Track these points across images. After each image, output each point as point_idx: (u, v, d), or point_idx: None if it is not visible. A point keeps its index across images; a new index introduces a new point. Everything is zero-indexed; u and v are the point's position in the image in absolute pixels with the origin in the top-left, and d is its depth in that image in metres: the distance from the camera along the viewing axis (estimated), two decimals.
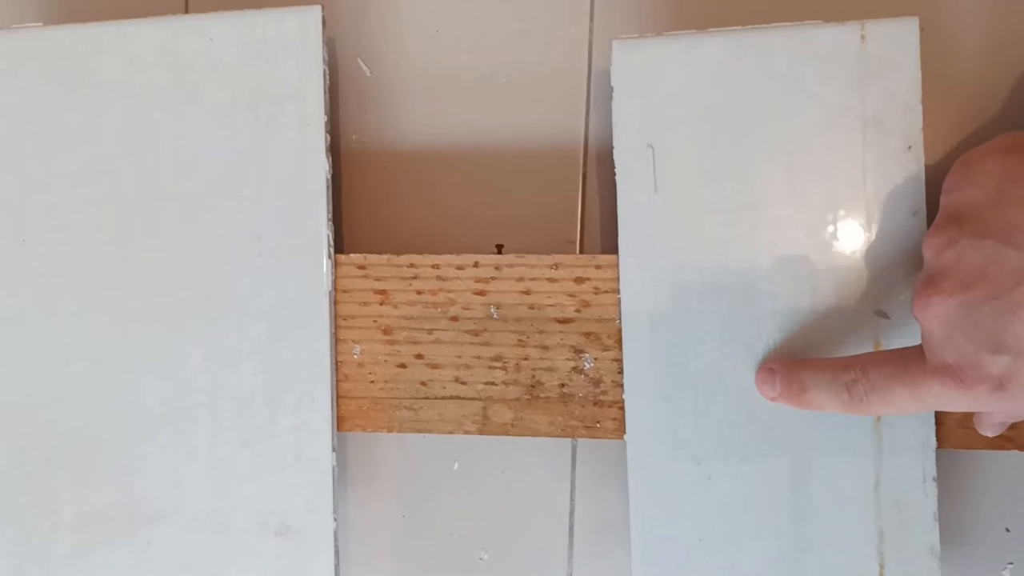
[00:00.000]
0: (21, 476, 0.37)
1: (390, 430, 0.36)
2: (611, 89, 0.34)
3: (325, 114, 0.35)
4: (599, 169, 0.37)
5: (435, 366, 0.36)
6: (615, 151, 0.34)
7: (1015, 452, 0.33)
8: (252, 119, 0.36)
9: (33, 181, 0.37)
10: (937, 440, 0.32)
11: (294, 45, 0.35)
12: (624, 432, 0.34)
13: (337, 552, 0.35)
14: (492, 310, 0.35)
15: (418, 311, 0.36)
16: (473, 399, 0.36)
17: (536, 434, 0.35)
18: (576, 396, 0.35)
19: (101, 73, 0.37)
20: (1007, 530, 0.35)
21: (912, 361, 0.28)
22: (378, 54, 0.39)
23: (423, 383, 0.36)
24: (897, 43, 0.32)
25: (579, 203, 0.37)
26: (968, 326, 0.26)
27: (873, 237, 0.32)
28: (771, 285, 0.33)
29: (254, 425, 0.36)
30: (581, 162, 0.37)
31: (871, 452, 0.32)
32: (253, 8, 0.36)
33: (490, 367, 0.35)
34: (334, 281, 0.36)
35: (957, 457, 0.34)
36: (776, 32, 0.33)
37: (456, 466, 0.38)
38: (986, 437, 0.32)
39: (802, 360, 0.32)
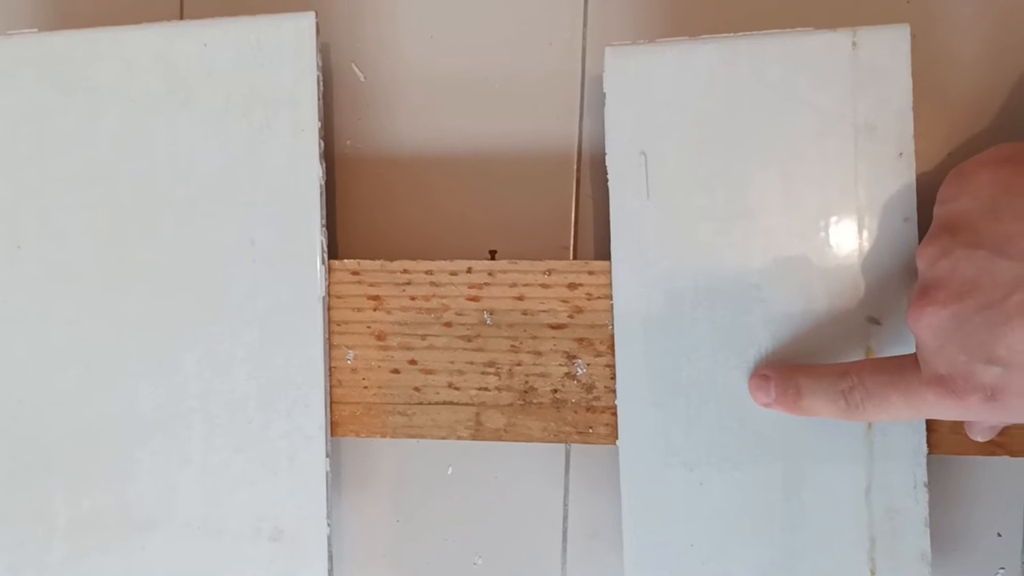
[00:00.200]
0: (15, 482, 0.37)
1: (383, 435, 0.36)
2: (604, 95, 0.34)
3: (319, 120, 0.35)
4: (592, 175, 0.37)
5: (428, 372, 0.36)
6: (608, 157, 0.34)
7: (1006, 458, 0.33)
8: (246, 125, 0.36)
9: (28, 185, 0.37)
10: (928, 446, 0.32)
11: (288, 51, 0.35)
12: (617, 438, 0.34)
13: (331, 557, 0.35)
14: (485, 316, 0.35)
15: (411, 317, 0.36)
16: (466, 405, 0.36)
17: (529, 440, 0.35)
18: (569, 402, 0.35)
19: (96, 78, 0.37)
20: (999, 535, 0.35)
21: (907, 369, 0.28)
22: (372, 60, 0.39)
23: (416, 388, 0.36)
24: (889, 50, 0.32)
25: (572, 209, 0.37)
26: (961, 337, 0.26)
27: (865, 244, 0.32)
28: (764, 292, 0.33)
29: (247, 431, 0.36)
30: (574, 168, 0.37)
31: (863, 458, 0.32)
32: (247, 14, 0.36)
33: (483, 373, 0.35)
34: (328, 286, 0.36)
35: (948, 463, 0.35)
36: (769, 39, 0.33)
37: (450, 471, 0.38)
38: (977, 443, 0.32)
39: (797, 366, 0.32)
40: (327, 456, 0.35)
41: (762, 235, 0.33)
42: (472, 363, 0.35)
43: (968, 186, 0.28)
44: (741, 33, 0.33)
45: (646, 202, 0.34)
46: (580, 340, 0.35)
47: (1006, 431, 0.32)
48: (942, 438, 0.33)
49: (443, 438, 0.36)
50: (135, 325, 0.36)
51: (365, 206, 0.39)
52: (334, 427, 0.36)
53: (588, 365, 0.35)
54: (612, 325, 0.34)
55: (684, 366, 0.34)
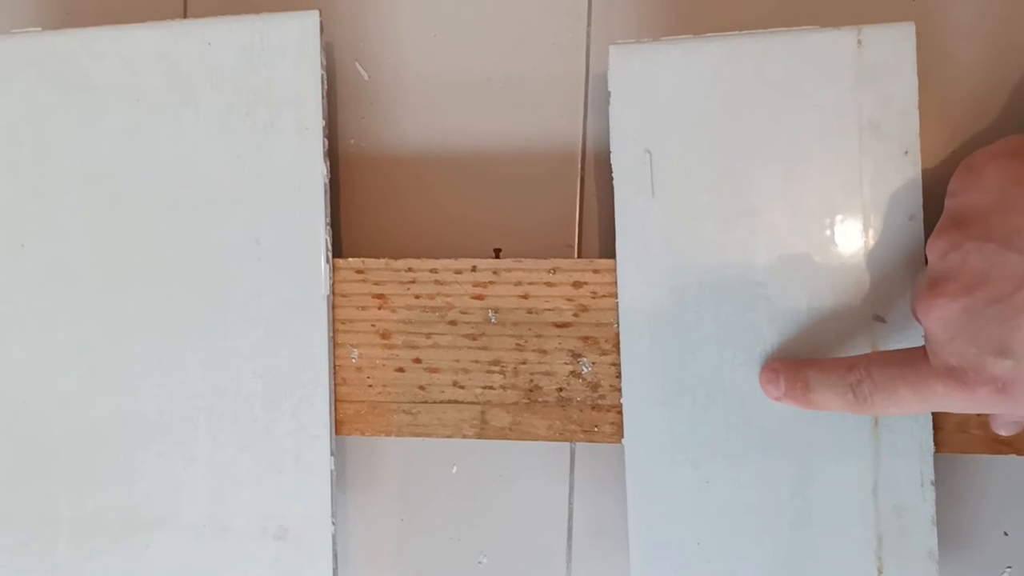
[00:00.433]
0: (19, 482, 0.37)
1: (388, 434, 0.36)
2: (608, 94, 0.34)
3: (323, 119, 0.35)
4: (597, 173, 0.37)
5: (433, 370, 0.36)
6: (612, 156, 0.34)
7: (1013, 456, 0.33)
8: (250, 124, 0.36)
9: (30, 186, 0.37)
10: (935, 444, 0.32)
11: (292, 50, 0.35)
12: (622, 436, 0.34)
13: (336, 556, 0.35)
14: (490, 314, 0.35)
15: (416, 315, 0.36)
16: (471, 403, 0.36)
17: (534, 438, 0.35)
18: (574, 400, 0.35)
19: (98, 78, 0.37)
20: (1005, 534, 0.35)
21: (916, 362, 0.28)
22: (376, 59, 0.39)
23: (421, 387, 0.36)
24: (893, 48, 0.32)
25: (577, 207, 0.37)
26: (971, 329, 0.26)
27: (870, 241, 0.32)
28: (769, 289, 0.33)
29: (252, 430, 0.36)
30: (579, 166, 0.37)
31: (869, 456, 0.32)
32: (251, 13, 0.36)
33: (488, 371, 0.35)
34: (332, 285, 0.36)
35: (955, 461, 0.34)
36: (773, 37, 0.33)
37: (455, 470, 0.38)
38: (984, 441, 0.32)
39: (806, 360, 0.32)
40: (332, 455, 0.35)
41: (767, 233, 0.33)
42: (477, 362, 0.35)
43: (977, 179, 0.28)
44: (745, 31, 0.33)
45: (651, 200, 0.34)
46: (585, 338, 0.35)
47: None
48: (949, 436, 0.33)
49: (448, 437, 0.36)
50: (139, 325, 0.36)
51: (369, 205, 0.39)
52: (339, 426, 0.36)
53: (593, 363, 0.35)
54: (617, 323, 0.34)
55: (690, 364, 0.34)
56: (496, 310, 0.35)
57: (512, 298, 0.35)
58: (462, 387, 0.36)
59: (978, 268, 0.27)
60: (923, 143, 0.32)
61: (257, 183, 0.36)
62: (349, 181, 0.39)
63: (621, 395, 0.34)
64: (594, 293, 0.35)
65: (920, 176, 0.32)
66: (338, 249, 0.38)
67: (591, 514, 0.37)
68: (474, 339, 0.35)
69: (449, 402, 0.36)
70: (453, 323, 0.36)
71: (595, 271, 0.35)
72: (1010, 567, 0.35)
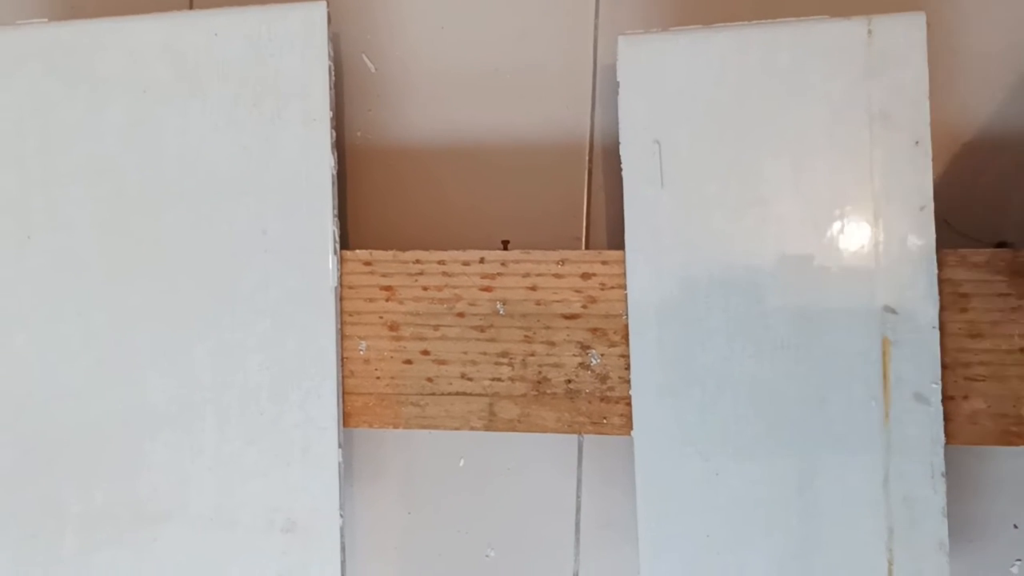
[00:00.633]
0: (26, 475, 0.37)
1: (396, 426, 0.36)
2: (617, 85, 0.34)
3: (330, 110, 0.35)
4: (605, 165, 0.37)
5: (441, 362, 0.36)
6: (621, 146, 0.34)
7: (1023, 448, 0.33)
8: (257, 115, 0.36)
9: (36, 178, 0.37)
10: (945, 436, 0.32)
11: (299, 41, 0.35)
12: (631, 428, 0.34)
13: (343, 548, 0.35)
14: (498, 306, 0.35)
15: (424, 307, 0.36)
16: (479, 395, 0.35)
17: (543, 430, 0.35)
18: (583, 392, 0.35)
19: (103, 69, 0.37)
20: (1015, 527, 0.35)
21: None
22: (383, 50, 0.38)
23: (429, 379, 0.36)
24: (904, 38, 0.32)
25: (585, 199, 0.37)
26: None
27: (881, 232, 0.32)
28: (778, 280, 0.33)
29: (260, 422, 0.36)
30: (587, 158, 0.37)
31: (880, 448, 0.32)
32: (258, 3, 0.36)
33: (496, 363, 0.35)
34: (340, 277, 0.36)
35: (966, 453, 0.34)
36: (782, 27, 0.33)
37: (462, 463, 0.38)
38: (994, 433, 0.32)
39: None
40: (340, 447, 0.35)
41: (776, 223, 0.33)
42: (485, 353, 0.35)
43: None
44: (754, 22, 0.33)
45: (660, 191, 0.34)
46: (594, 330, 0.35)
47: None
48: (959, 428, 0.32)
49: (456, 428, 0.36)
50: (145, 316, 0.36)
51: (376, 197, 0.38)
52: (346, 418, 0.36)
53: (602, 355, 0.35)
54: (626, 315, 0.34)
55: (699, 355, 0.33)
56: (504, 302, 0.35)
57: (520, 290, 0.35)
58: (470, 379, 0.35)
59: None
60: (933, 133, 0.32)
61: (264, 174, 0.36)
62: (356, 173, 0.39)
63: (630, 387, 0.34)
64: (603, 284, 0.35)
65: (931, 166, 0.32)
66: (345, 241, 0.38)
67: (599, 506, 0.37)
68: (482, 331, 0.35)
69: (457, 394, 0.36)
70: (461, 315, 0.35)
71: (604, 262, 0.35)
72: (1020, 560, 0.35)
